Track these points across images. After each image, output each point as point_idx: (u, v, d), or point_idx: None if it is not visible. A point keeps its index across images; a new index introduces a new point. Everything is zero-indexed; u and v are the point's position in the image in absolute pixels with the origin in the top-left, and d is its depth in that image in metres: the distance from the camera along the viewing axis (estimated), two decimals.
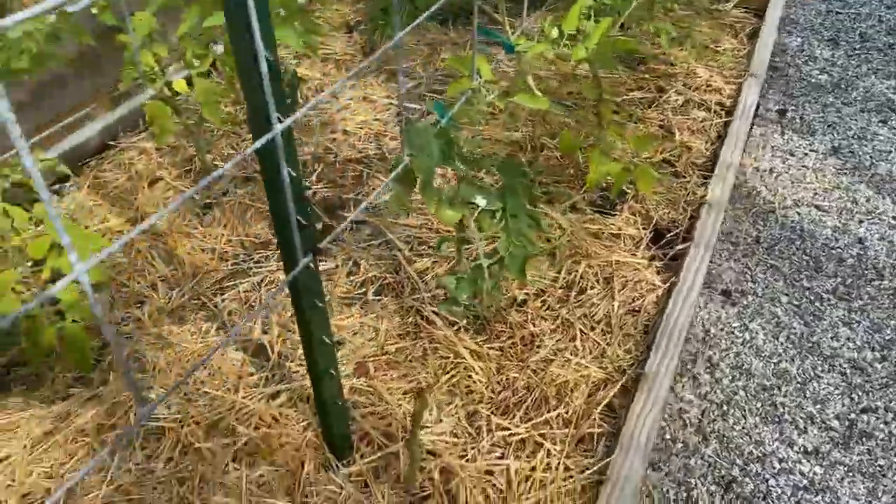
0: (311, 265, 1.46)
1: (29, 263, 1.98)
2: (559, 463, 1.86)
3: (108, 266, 2.41)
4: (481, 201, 1.77)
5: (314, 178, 2.80)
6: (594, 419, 1.96)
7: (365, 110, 3.15)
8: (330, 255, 2.46)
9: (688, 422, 2.10)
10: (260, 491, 1.79)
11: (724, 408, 2.13)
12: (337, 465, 1.86)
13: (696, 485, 1.95)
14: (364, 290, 2.34)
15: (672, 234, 2.52)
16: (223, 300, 2.30)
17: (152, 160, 2.89)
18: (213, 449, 1.89)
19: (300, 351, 2.06)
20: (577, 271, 2.37)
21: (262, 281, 2.37)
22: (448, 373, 2.07)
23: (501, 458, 1.87)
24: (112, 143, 3.00)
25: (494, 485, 1.82)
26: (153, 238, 2.53)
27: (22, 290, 1.90)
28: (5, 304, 1.88)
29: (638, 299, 2.28)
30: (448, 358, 2.11)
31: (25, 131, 2.74)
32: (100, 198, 2.73)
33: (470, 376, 2.07)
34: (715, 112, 3.11)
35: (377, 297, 2.31)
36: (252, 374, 2.08)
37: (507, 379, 2.07)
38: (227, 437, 1.92)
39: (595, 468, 1.84)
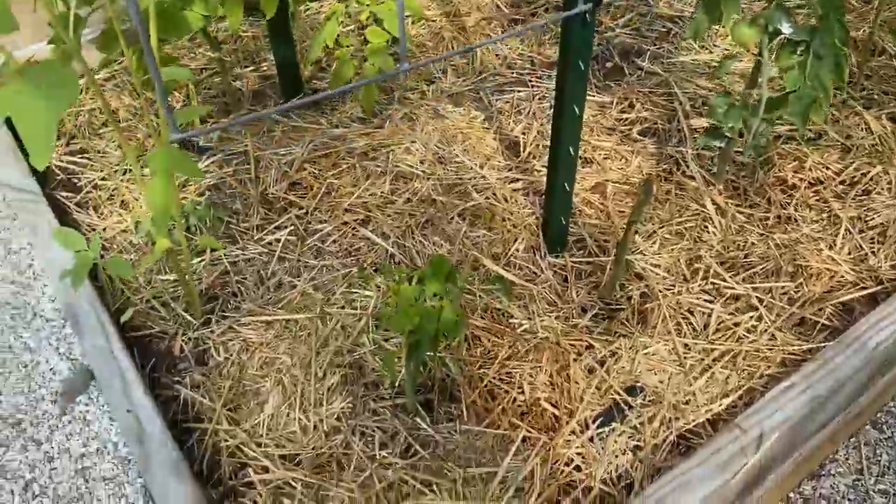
0: (587, 17, 1.47)
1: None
2: (767, 329, 1.73)
3: (416, 43, 2.64)
4: (786, 29, 1.63)
5: (620, 22, 2.76)
6: (824, 310, 1.78)
7: None
8: (609, 92, 2.45)
9: None
10: (472, 246, 1.92)
11: None
12: (545, 253, 1.92)
13: None
14: (630, 127, 2.31)
15: None
16: (497, 100, 2.42)
17: None
18: (446, 202, 2.05)
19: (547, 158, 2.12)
20: (868, 172, 2.10)
21: (536, 95, 2.44)
22: (683, 217, 2.00)
23: (708, 302, 1.79)
24: None
25: (690, 322, 1.76)
26: (459, 30, 2.71)
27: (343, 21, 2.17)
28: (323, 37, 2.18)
29: None
30: (689, 207, 2.03)
31: None
32: None
33: (706, 227, 1.98)
34: None
35: (641, 137, 2.27)
36: (500, 160, 2.19)
37: (744, 242, 1.94)
38: (460, 198, 2.06)
39: (805, 348, 1.69)
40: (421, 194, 2.08)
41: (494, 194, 2.07)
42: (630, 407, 1.60)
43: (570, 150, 1.70)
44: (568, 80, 1.57)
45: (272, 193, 2.10)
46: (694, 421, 1.57)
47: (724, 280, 1.83)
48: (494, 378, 1.65)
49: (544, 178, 2.01)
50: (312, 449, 1.54)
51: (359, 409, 1.60)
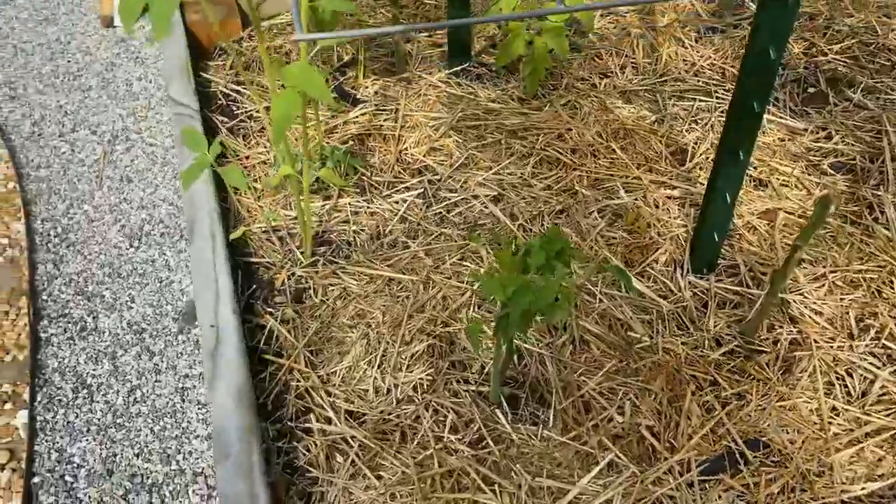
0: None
1: None
2: None
3: (598, 34, 2.47)
4: None
5: (836, 48, 2.43)
6: None
7: None
8: (805, 118, 2.15)
9: None
10: (605, 245, 1.73)
11: None
12: (687, 271, 1.69)
13: None
14: (822, 158, 2.00)
15: None
16: (674, 105, 2.20)
17: None
18: (588, 196, 1.87)
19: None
20: None
21: (720, 107, 2.19)
22: (865, 265, 1.68)
23: (875, 367, 1.48)
24: None
25: (845, 384, 1.46)
26: (648, 28, 2.51)
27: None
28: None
29: None
30: (875, 256, 1.71)
31: None
32: None
33: (891, 283, 1.65)
34: None
35: (832, 171, 1.96)
36: (661, 166, 1.98)
37: None
38: (606, 194, 1.88)
39: None
40: (564, 183, 1.92)
41: (645, 197, 1.86)
42: (746, 462, 1.35)
43: (741, 154, 1.47)
44: (751, 67, 1.35)
45: (411, 154, 2.02)
46: (824, 499, 1.29)
47: None
48: (594, 390, 1.45)
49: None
50: (380, 412, 1.43)
51: (438, 385, 1.47)
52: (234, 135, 2.10)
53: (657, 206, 1.84)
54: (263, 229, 1.81)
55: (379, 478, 1.33)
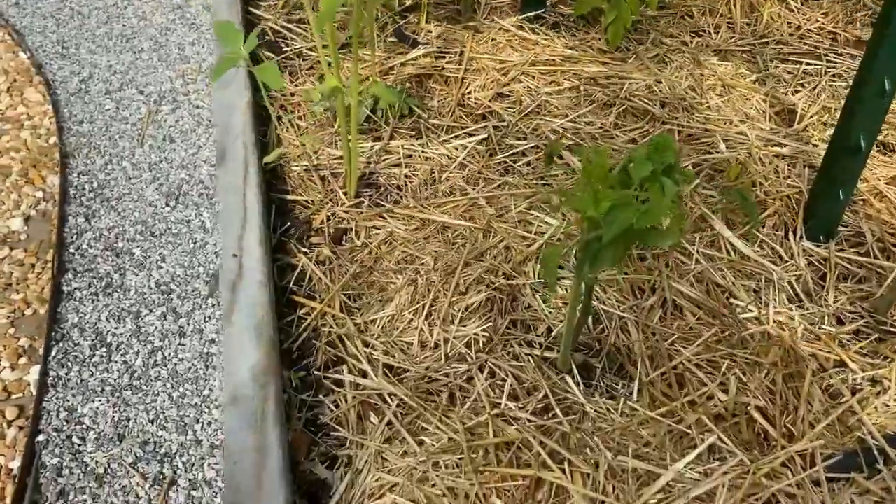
0: None
1: None
2: None
3: None
4: None
5: None
6: None
7: None
8: None
9: None
10: (702, 202, 1.46)
11: None
12: (802, 236, 1.40)
13: None
14: None
15: None
16: (776, 67, 1.92)
17: None
18: (681, 150, 1.60)
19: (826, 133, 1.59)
20: None
21: (831, 71, 1.90)
22: None
23: None
24: None
25: None
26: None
27: None
28: None
29: None
30: None
31: None
32: None
33: None
34: None
35: None
36: (766, 125, 1.70)
37: None
38: (704, 148, 1.61)
39: None
40: (652, 137, 1.65)
41: (750, 154, 1.59)
42: (887, 461, 1.06)
43: (886, 83, 1.19)
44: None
45: (476, 99, 1.78)
46: None
47: None
48: (690, 361, 1.18)
49: (823, 151, 1.49)
50: (426, 369, 1.18)
51: (496, 345, 1.22)
52: (280, 71, 1.89)
53: (763, 164, 1.56)
54: (305, 167, 1.59)
55: (420, 443, 1.08)
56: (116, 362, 1.25)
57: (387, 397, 1.14)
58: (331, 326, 1.24)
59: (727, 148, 1.60)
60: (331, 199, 1.52)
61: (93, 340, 1.29)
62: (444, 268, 1.32)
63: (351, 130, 1.41)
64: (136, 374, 1.23)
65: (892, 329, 1.25)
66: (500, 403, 1.14)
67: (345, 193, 1.52)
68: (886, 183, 1.53)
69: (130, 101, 1.84)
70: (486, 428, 1.09)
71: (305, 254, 1.38)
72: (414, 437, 1.08)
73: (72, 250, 1.44)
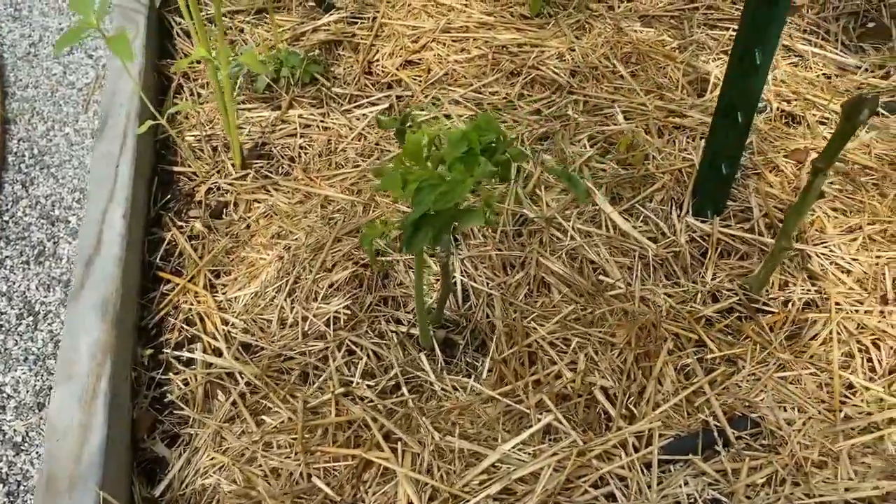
0: None
1: None
2: None
3: None
4: None
5: None
6: None
7: None
8: (860, 55, 1.79)
9: None
10: (594, 171, 1.43)
11: None
12: (687, 211, 1.38)
13: None
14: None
15: None
16: (703, 33, 1.86)
17: None
18: (581, 121, 1.57)
19: None
20: None
21: None
22: None
23: None
24: None
25: (869, 356, 1.14)
26: None
27: None
28: None
29: None
30: None
31: None
32: None
33: None
34: None
35: (886, 112, 1.61)
36: (674, 94, 1.65)
37: None
38: (602, 120, 1.57)
39: None
40: (557, 107, 1.62)
41: (647, 126, 1.55)
42: (727, 444, 1.05)
43: (757, 56, 1.15)
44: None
45: (383, 67, 1.74)
46: (822, 497, 0.98)
47: None
48: (544, 339, 1.17)
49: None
50: (282, 347, 1.17)
51: (360, 322, 1.21)
52: (188, 37, 1.85)
53: (659, 136, 1.53)
54: (197, 137, 1.57)
55: (260, 423, 1.08)
56: (42, 331, 1.26)
57: (237, 376, 1.14)
58: (191, 304, 1.23)
59: (626, 119, 1.57)
60: (218, 171, 1.50)
61: (20, 309, 1.29)
62: (314, 243, 1.31)
63: (226, 100, 1.38)
64: (60, 344, 1.23)
65: (765, 308, 1.24)
66: (351, 382, 1.13)
67: (232, 164, 1.50)
68: (785, 156, 1.50)
69: (79, 65, 1.82)
70: (328, 406, 1.08)
71: (180, 228, 1.37)
72: (256, 417, 1.08)
73: (6, 218, 1.44)
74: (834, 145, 0.99)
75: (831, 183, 1.45)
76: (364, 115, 1.63)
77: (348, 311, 1.22)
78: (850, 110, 0.94)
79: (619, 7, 1.95)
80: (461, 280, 1.27)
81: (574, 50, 1.77)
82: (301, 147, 1.56)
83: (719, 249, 1.33)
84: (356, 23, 1.86)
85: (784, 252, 1.18)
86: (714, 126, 1.30)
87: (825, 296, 1.23)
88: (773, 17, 1.13)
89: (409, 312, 1.24)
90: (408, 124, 1.00)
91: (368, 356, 1.16)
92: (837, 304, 1.21)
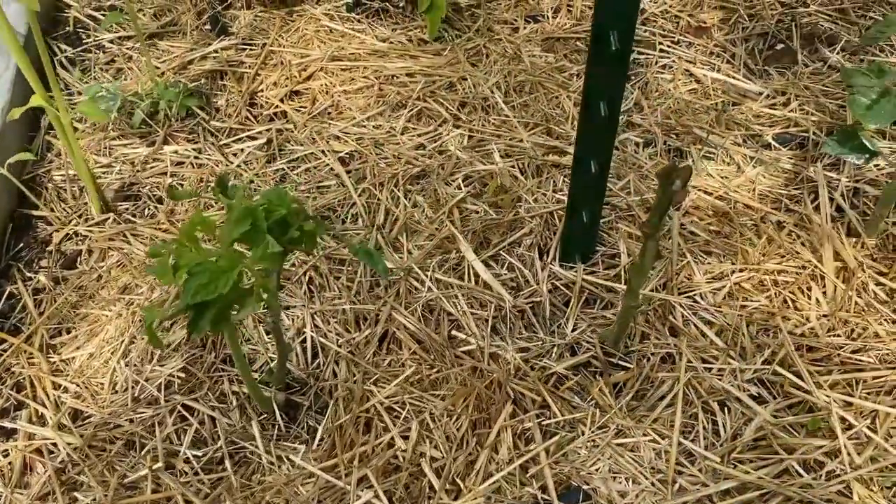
0: None
1: None
2: (840, 476, 1.04)
3: None
4: None
5: None
6: None
7: None
8: (764, 79, 1.75)
9: None
10: (466, 213, 1.39)
11: None
12: (553, 259, 1.33)
13: None
14: (770, 128, 1.61)
15: None
16: None
17: None
18: (460, 159, 1.52)
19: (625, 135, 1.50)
20: None
21: (659, 62, 1.80)
22: (782, 265, 1.31)
23: (756, 400, 1.12)
24: None
25: (715, 420, 1.10)
26: None
27: None
28: None
29: None
30: (798, 255, 1.33)
31: None
32: None
33: (809, 290, 1.27)
34: None
35: (777, 144, 1.57)
36: (563, 128, 1.61)
37: (862, 329, 1.22)
38: (482, 158, 1.52)
39: None
40: (441, 143, 1.57)
41: (524, 165, 1.50)
42: None
43: (602, 107, 1.11)
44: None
45: (266, 98, 1.69)
46: None
47: (800, 376, 1.14)
48: (383, 404, 1.12)
49: None
50: (110, 414, 1.13)
51: (200, 383, 1.16)
52: (71, 66, 1.79)
53: (536, 176, 1.48)
54: (63, 178, 1.52)
55: (73, 501, 1.03)
56: None
57: (60, 447, 1.09)
58: (23, 366, 1.19)
59: (505, 157, 1.52)
60: (80, 215, 1.45)
61: None
62: (157, 299, 1.26)
63: (70, 143, 1.32)
64: None
65: (621, 363, 1.20)
66: (178, 452, 1.09)
67: (94, 208, 1.45)
68: None
69: None
70: (143, 485, 1.04)
71: (26, 281, 1.32)
72: (69, 495, 1.04)
73: None
74: (657, 212, 0.95)
75: (709, 224, 1.41)
76: (241, 150, 1.58)
77: (183, 374, 1.17)
78: (663, 180, 0.89)
79: (524, 28, 1.90)
80: (311, 336, 1.22)
81: (466, 79, 1.72)
82: (171, 187, 1.50)
83: (584, 298, 1.29)
84: (244, 50, 1.81)
85: (632, 309, 1.14)
86: (573, 172, 1.25)
87: (681, 351, 1.19)
88: (617, 66, 1.08)
89: (256, 371, 1.20)
90: (227, 188, 0.96)
91: (201, 422, 1.12)
92: (689, 362, 1.17)
